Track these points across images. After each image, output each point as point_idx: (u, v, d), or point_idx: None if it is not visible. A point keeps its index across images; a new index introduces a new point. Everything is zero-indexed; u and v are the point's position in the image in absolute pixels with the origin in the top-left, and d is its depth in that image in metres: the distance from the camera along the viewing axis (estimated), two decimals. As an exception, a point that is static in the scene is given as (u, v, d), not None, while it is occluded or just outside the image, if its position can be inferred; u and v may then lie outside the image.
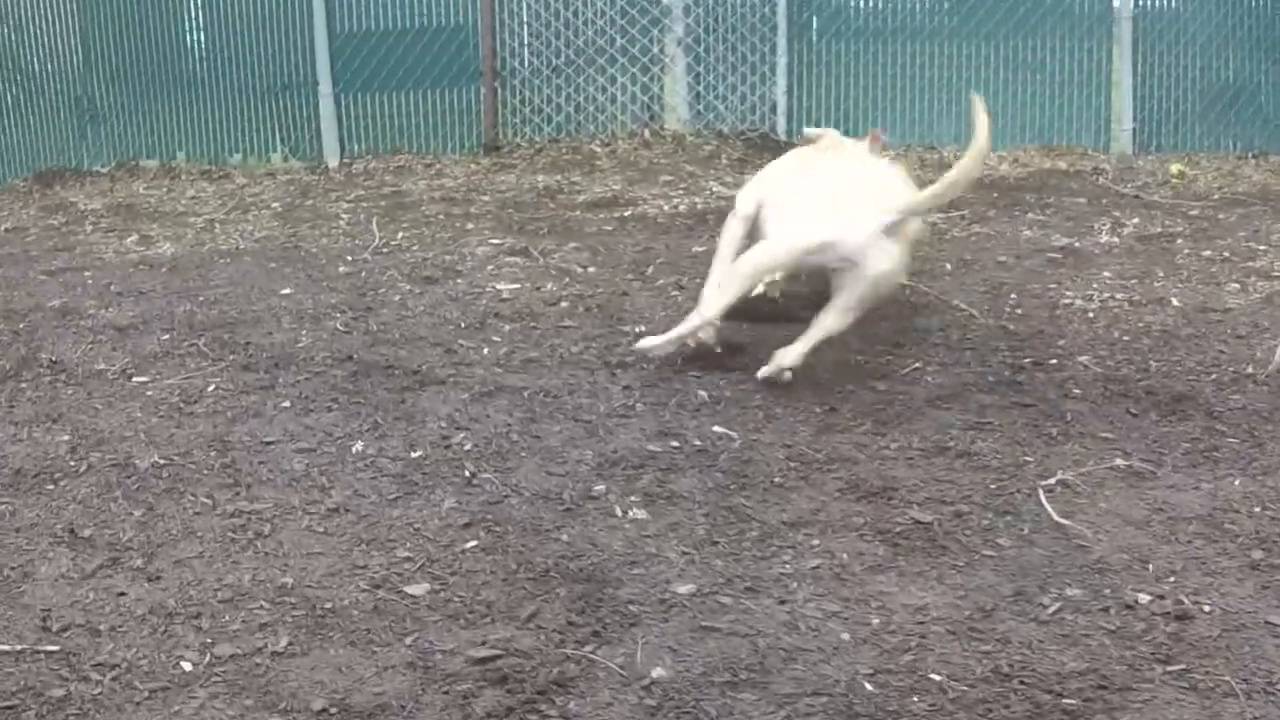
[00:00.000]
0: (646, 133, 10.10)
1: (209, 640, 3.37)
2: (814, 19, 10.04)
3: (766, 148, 9.83)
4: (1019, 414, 4.81)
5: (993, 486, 4.21)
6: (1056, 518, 3.98)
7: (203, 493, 4.25)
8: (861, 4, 10.13)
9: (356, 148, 10.35)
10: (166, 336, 5.87)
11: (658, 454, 4.45)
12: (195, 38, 10.56)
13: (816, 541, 3.86)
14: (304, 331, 5.87)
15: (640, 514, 4.02)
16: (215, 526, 4.01)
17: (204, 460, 4.50)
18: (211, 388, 5.20)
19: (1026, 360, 5.36)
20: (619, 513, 4.04)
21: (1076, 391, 5.02)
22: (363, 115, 10.35)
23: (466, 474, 4.32)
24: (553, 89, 10.24)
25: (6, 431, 4.86)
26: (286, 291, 6.55)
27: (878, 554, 3.79)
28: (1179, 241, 7.30)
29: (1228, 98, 10.07)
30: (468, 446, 4.55)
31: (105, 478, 4.39)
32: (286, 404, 5.00)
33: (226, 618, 3.48)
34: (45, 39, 10.67)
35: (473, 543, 3.86)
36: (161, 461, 4.49)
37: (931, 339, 5.62)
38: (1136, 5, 9.90)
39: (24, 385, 5.36)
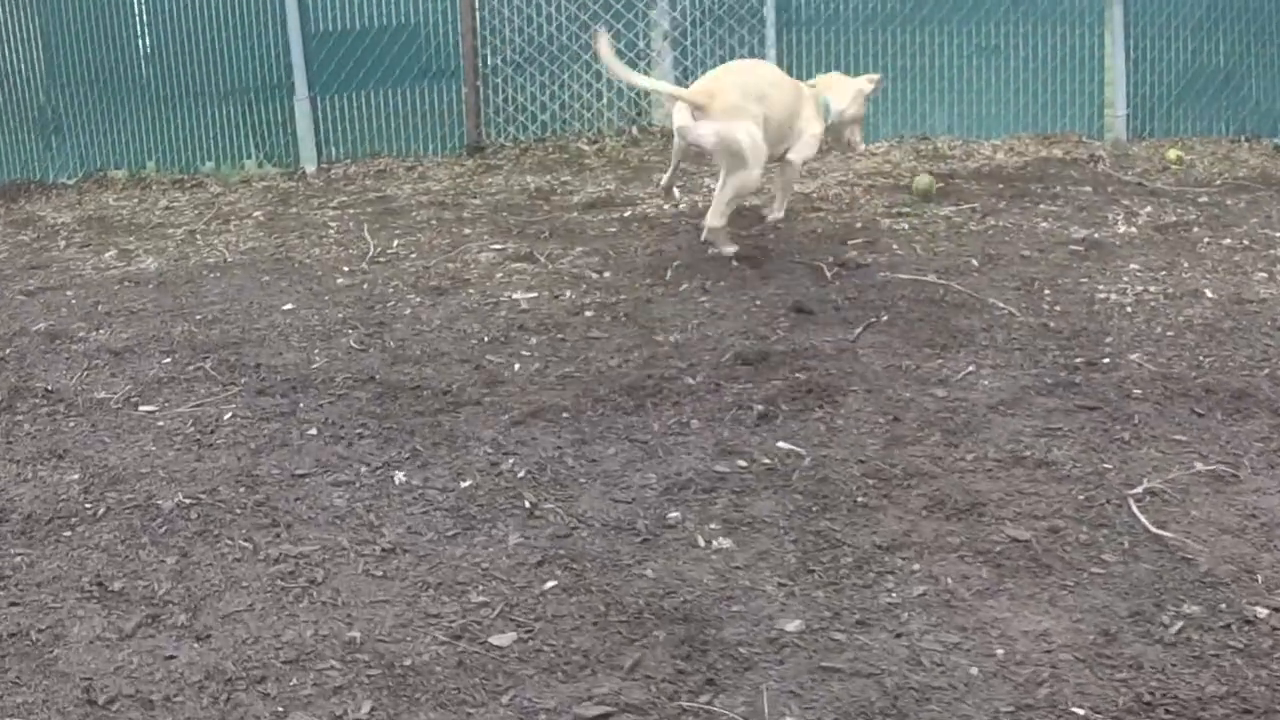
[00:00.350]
0: (635, 129, 9.79)
1: (280, 709, 3.06)
2: (803, 8, 9.76)
3: (758, 142, 9.56)
4: (1085, 418, 4.59)
5: (1081, 498, 3.99)
6: (1153, 529, 3.78)
7: (239, 535, 3.92)
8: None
9: (334, 152, 9.95)
10: (168, 360, 5.53)
11: (726, 475, 4.17)
12: (163, 42, 10.09)
13: (916, 566, 3.60)
14: (316, 351, 5.54)
15: (725, 543, 3.74)
16: (261, 574, 3.68)
17: (234, 498, 4.17)
18: (228, 415, 4.87)
19: (1078, 360, 5.14)
20: (701, 542, 3.75)
21: (1137, 392, 4.81)
22: (340, 118, 9.94)
23: (526, 504, 4.02)
24: (536, 86, 9.90)
25: (8, 471, 4.52)
26: (288, 307, 6.21)
27: (982, 576, 3.54)
28: (1196, 230, 7.14)
29: (1219, 81, 9.93)
30: (520, 473, 4.24)
31: (127, 521, 4.06)
32: (313, 431, 4.67)
33: (295, 681, 3.16)
34: (5, 47, 10.21)
35: (551, 583, 3.56)
36: (187, 501, 4.16)
37: (977, 340, 5.38)
38: (1127, -11, 9.72)
39: (20, 418, 5.01)
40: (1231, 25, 9.82)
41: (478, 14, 9.69)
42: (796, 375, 4.98)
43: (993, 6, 9.76)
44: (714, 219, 6.42)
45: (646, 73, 9.78)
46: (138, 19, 10.10)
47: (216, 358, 5.49)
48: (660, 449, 4.38)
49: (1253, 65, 9.88)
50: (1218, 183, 8.43)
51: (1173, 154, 9.22)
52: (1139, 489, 4.02)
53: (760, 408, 4.69)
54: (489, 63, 9.83)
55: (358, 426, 4.68)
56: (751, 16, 9.77)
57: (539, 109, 9.93)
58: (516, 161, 9.56)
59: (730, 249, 6.51)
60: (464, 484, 4.18)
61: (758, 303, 5.90)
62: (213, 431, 4.73)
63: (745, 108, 6.21)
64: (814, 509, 3.93)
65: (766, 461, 4.27)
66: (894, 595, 3.45)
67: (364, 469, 4.32)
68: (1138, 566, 3.58)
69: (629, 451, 4.37)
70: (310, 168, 9.80)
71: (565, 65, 9.86)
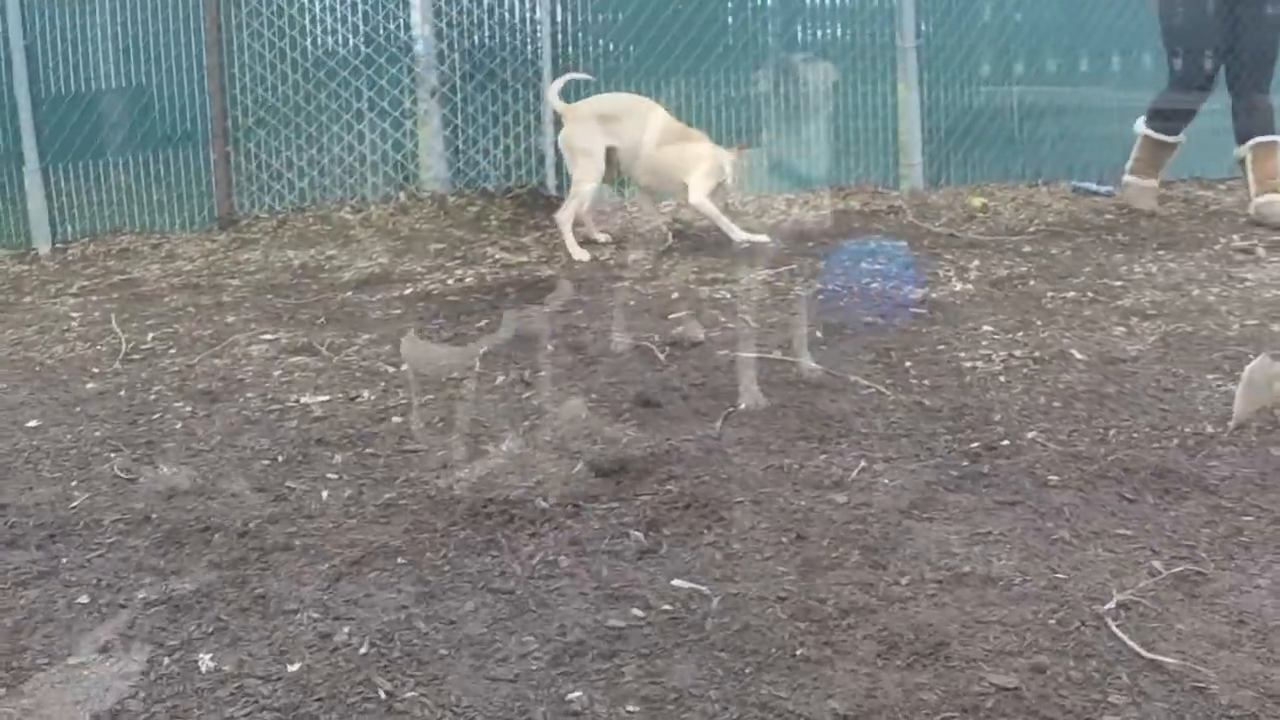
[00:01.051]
0: (403, 195, 8.89)
1: None
2: (580, 61, 9.04)
3: (538, 205, 8.82)
4: (1011, 516, 3.97)
5: (1050, 622, 3.32)
6: (1145, 654, 3.14)
7: (3, 766, 2.91)
8: (632, 46, 9.19)
9: (70, 229, 8.78)
10: (-113, 505, 4.41)
11: (624, 631, 3.33)
12: None
13: (899, 742, 2.84)
14: (74, 482, 4.48)
15: (654, 733, 2.90)
16: (37, 825, 2.69)
17: (-11, 707, 3.14)
18: (-31, 583, 3.80)
19: (974, 444, 4.55)
20: (624, 734, 2.91)
21: (1052, 478, 4.23)
22: (76, 191, 8.77)
23: (381, 694, 3.08)
24: (293, 150, 8.90)
25: None
26: (33, 423, 5.12)
27: (982, 746, 2.81)
28: (1033, 283, 6.73)
29: (1013, 125, 9.69)
30: (362, 648, 3.29)
31: None
32: (84, 599, 3.64)
33: None
34: None
35: (441, 816, 2.67)
36: (-72, 718, 3.11)
37: (855, 428, 4.71)
38: (919, 36, 9.32)
39: None
40: (1027, 68, 9.61)
41: (226, 72, 8.66)
42: (666, 487, 4.20)
43: (782, 54, 9.28)
44: (560, 214, 7.80)
45: (413, 133, 8.96)
46: None
47: (-51, 498, 4.41)
48: (531, 600, 3.51)
49: (1046, 108, 9.68)
50: (1030, 230, 8.15)
51: (977, 202, 8.90)
52: (1110, 604, 3.39)
53: (638, 534, 3.87)
54: (239, 125, 8.80)
55: (140, 588, 3.67)
56: (526, 69, 9.01)
57: (296, 175, 8.93)
58: (274, 234, 8.56)
59: (578, 252, 7.64)
60: (292, 668, 3.21)
61: (592, 395, 5.12)
62: (-50, 607, 3.66)
63: (586, 124, 7.67)
64: (746, 670, 3.13)
65: (667, 608, 3.45)
66: (886, 790, 2.69)
67: (157, 652, 3.32)
68: (1152, 707, 2.92)
69: (493, 606, 3.48)
70: (44, 248, 8.62)
71: (324, 126, 8.90)
